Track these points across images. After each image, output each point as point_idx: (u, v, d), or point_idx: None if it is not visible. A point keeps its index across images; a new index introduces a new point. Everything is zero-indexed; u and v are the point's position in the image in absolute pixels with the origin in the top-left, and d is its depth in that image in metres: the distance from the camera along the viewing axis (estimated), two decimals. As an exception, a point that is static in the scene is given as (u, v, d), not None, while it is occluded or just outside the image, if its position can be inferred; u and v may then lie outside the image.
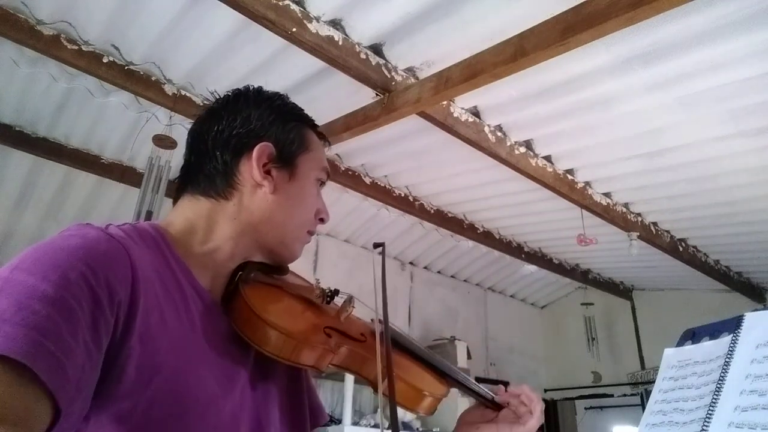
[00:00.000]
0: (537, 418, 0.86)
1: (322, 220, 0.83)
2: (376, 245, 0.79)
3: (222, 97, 0.81)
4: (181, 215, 0.75)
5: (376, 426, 3.74)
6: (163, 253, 0.68)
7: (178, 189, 0.78)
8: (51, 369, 0.47)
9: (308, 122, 0.84)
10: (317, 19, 2.16)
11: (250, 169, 0.74)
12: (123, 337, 0.56)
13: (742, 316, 0.76)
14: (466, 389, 0.87)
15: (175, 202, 0.78)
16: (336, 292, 0.85)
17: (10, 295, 0.50)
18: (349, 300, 0.84)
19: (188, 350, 0.64)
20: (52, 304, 0.50)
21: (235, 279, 0.75)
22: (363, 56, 2.33)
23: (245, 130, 0.76)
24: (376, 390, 0.73)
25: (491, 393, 0.89)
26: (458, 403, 3.92)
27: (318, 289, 0.84)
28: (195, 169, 0.76)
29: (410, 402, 0.79)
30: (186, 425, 0.59)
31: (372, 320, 0.82)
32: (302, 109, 0.84)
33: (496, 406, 0.88)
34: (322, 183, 0.84)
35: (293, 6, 2.08)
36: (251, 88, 0.81)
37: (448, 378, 0.86)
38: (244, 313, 0.70)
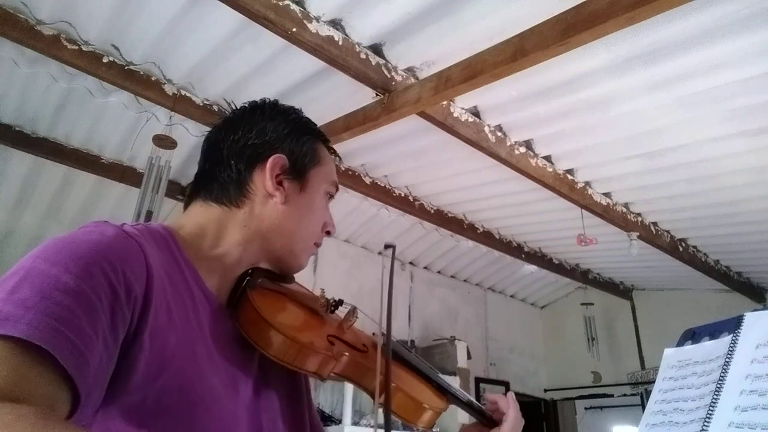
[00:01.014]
0: (512, 418, 0.86)
1: (328, 233, 0.85)
2: (387, 246, 0.80)
3: (239, 108, 0.83)
4: (192, 220, 0.76)
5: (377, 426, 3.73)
6: (173, 254, 0.69)
7: (190, 194, 0.80)
8: (72, 357, 0.48)
9: (321, 137, 0.86)
10: (317, 19, 2.16)
11: (263, 179, 0.76)
12: (136, 332, 0.57)
13: (742, 316, 0.76)
14: (464, 406, 0.88)
15: (186, 206, 0.80)
16: (340, 302, 0.86)
17: (33, 284, 0.50)
18: (353, 311, 0.85)
19: (195, 349, 0.65)
20: (74, 296, 0.51)
21: (242, 283, 0.76)
22: (363, 56, 2.33)
23: (260, 141, 0.78)
24: (388, 406, 0.73)
25: (489, 412, 0.90)
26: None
27: (322, 299, 0.85)
28: (209, 176, 0.78)
29: (410, 415, 0.80)
30: (192, 420, 0.60)
31: (374, 334, 0.82)
32: (315, 124, 0.86)
33: (493, 423, 0.89)
34: (331, 196, 0.86)
35: (293, 6, 2.08)
36: (267, 100, 0.83)
37: (448, 394, 0.87)
38: (250, 315, 0.71)
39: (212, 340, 0.68)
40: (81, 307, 0.51)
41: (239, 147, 0.77)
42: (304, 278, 0.88)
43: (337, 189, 0.87)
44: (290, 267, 0.83)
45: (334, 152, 0.88)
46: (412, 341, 4.78)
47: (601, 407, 5.71)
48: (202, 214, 0.76)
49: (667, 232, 3.95)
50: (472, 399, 0.91)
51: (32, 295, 0.49)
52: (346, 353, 0.76)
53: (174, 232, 0.72)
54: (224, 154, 0.77)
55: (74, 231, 0.59)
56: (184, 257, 0.70)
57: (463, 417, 3.85)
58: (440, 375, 0.90)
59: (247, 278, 0.77)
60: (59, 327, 0.48)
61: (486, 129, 2.81)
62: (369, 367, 0.78)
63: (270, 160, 0.76)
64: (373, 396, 0.78)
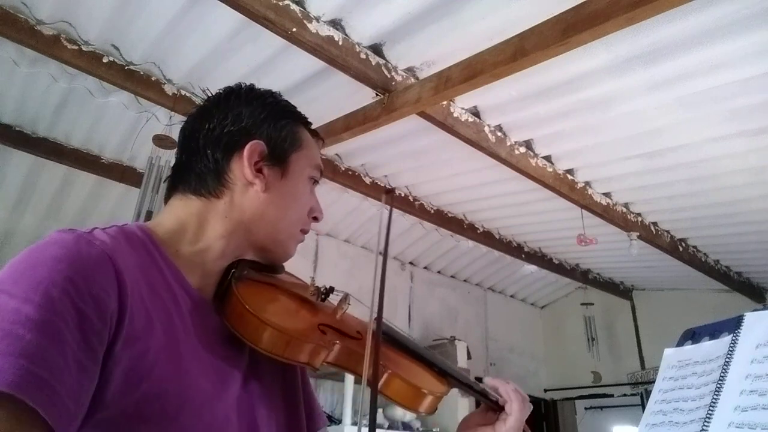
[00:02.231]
0: (516, 411, 0.83)
1: (315, 219, 0.82)
2: (388, 191, 0.77)
3: (213, 95, 0.80)
4: (172, 214, 0.74)
5: (376, 426, 3.73)
6: (151, 254, 0.67)
7: (169, 189, 0.78)
8: (42, 394, 0.47)
9: (301, 120, 0.83)
10: (317, 19, 2.16)
11: (242, 167, 0.74)
12: (110, 346, 0.55)
13: (742, 316, 0.76)
14: (467, 388, 0.86)
15: (166, 201, 0.78)
16: (331, 290, 0.84)
17: None
18: (345, 298, 0.83)
19: (179, 351, 0.63)
20: (37, 326, 0.49)
21: (227, 277, 0.75)
22: (363, 56, 2.33)
23: (236, 128, 0.75)
24: (375, 389, 0.72)
25: (495, 394, 0.87)
26: (458, 404, 3.92)
27: (312, 287, 0.83)
28: (186, 167, 0.76)
29: (410, 401, 0.78)
30: (178, 425, 0.59)
31: (369, 321, 0.81)
32: (295, 107, 0.83)
33: (498, 406, 0.86)
34: (316, 181, 0.83)
35: (293, 6, 2.08)
36: (243, 85, 0.80)
37: (448, 377, 0.84)
38: (237, 310, 0.69)
39: (198, 339, 0.66)
40: (47, 337, 0.49)
41: (215, 135, 0.74)
42: (303, 277, 0.88)
43: (322, 173, 0.84)
44: (277, 257, 0.80)
45: (316, 135, 0.85)
46: (412, 341, 4.78)
47: (601, 407, 5.71)
48: (181, 208, 0.74)
49: (667, 232, 3.95)
50: (475, 381, 0.88)
51: None
52: (339, 341, 0.75)
53: (151, 231, 0.70)
54: (200, 144, 0.75)
55: (35, 246, 0.56)
56: (164, 256, 0.68)
57: (463, 414, 3.85)
58: (439, 357, 0.87)
59: (233, 271, 0.75)
60: (25, 364, 0.47)
61: (486, 129, 2.81)
62: (363, 354, 0.76)
63: (247, 147, 0.74)
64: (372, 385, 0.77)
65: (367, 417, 0.66)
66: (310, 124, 0.85)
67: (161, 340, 0.60)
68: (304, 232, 0.81)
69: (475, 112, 2.77)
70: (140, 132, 2.99)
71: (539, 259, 4.85)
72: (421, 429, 4.08)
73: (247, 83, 0.81)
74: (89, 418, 0.53)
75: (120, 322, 0.56)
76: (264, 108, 0.78)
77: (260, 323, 0.68)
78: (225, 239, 0.73)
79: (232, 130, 0.75)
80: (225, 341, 0.70)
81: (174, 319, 0.64)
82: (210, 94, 0.81)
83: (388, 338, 0.84)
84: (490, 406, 0.87)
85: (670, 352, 0.86)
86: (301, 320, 0.76)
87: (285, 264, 0.85)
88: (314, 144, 0.83)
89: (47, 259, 0.54)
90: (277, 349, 0.69)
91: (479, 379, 0.91)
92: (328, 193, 3.55)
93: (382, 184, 3.70)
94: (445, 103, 2.60)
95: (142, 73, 2.61)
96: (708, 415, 0.69)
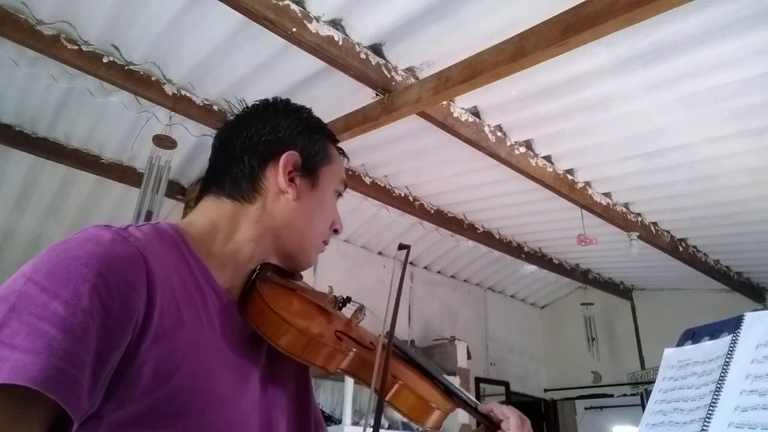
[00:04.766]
0: (514, 423, 0.84)
1: (336, 231, 0.86)
2: (401, 246, 0.80)
3: (251, 105, 0.84)
4: (205, 215, 0.76)
5: (376, 426, 3.73)
6: (182, 253, 0.69)
7: (201, 190, 0.80)
8: (65, 388, 0.49)
9: (331, 136, 0.86)
10: (317, 19, 2.16)
11: (276, 175, 0.77)
12: (137, 345, 0.57)
13: (742, 316, 0.76)
14: (471, 409, 0.88)
15: (196, 202, 0.80)
16: (348, 300, 0.87)
17: (21, 315, 0.50)
18: (360, 309, 0.86)
19: (206, 348, 0.65)
20: (63, 321, 0.51)
21: (251, 278, 0.77)
22: (363, 56, 2.33)
23: (273, 138, 0.78)
24: (382, 398, 0.74)
25: (496, 416, 0.88)
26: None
27: (330, 296, 0.86)
28: (221, 171, 0.79)
29: (419, 414, 0.80)
30: (204, 421, 0.60)
31: (380, 336, 0.83)
32: (325, 124, 0.87)
33: (495, 426, 0.88)
34: (339, 195, 0.86)
35: (293, 6, 2.09)
36: (279, 99, 0.84)
37: (454, 396, 0.86)
38: (259, 307, 0.71)
39: (224, 338, 0.68)
40: (72, 332, 0.51)
41: (252, 143, 0.78)
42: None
43: (346, 187, 0.88)
44: (299, 264, 0.83)
45: (342, 152, 0.89)
46: (412, 341, 4.78)
47: (601, 407, 5.71)
48: (214, 210, 0.77)
49: (667, 232, 3.95)
50: (477, 402, 0.90)
51: (20, 329, 0.49)
52: (354, 349, 0.77)
53: (183, 230, 0.72)
54: (237, 150, 0.78)
55: (71, 239, 0.58)
56: (194, 255, 0.70)
57: (464, 416, 3.85)
58: (446, 378, 0.90)
59: (257, 272, 0.77)
60: (48, 359, 0.48)
61: (486, 129, 2.81)
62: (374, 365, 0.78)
63: (283, 156, 0.77)
64: (378, 393, 0.78)
65: (375, 422, 0.67)
66: (338, 141, 0.89)
67: (190, 338, 0.62)
68: (326, 242, 0.85)
69: (475, 112, 2.77)
70: (140, 132, 2.99)
71: (539, 259, 4.85)
72: (420, 430, 4.08)
73: (283, 98, 0.84)
74: (117, 411, 0.55)
75: (147, 321, 0.58)
76: (300, 122, 0.81)
77: (282, 322, 0.70)
78: (255, 242, 0.76)
79: (270, 140, 0.78)
80: (245, 342, 0.72)
81: (202, 317, 0.66)
82: (247, 106, 0.84)
83: (399, 352, 0.87)
84: (488, 426, 0.89)
85: (670, 352, 0.86)
86: (320, 324, 0.78)
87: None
88: (341, 160, 0.88)
89: (82, 255, 0.55)
90: (296, 349, 0.70)
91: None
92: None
93: (382, 185, 3.71)
94: (445, 103, 2.60)
95: (142, 73, 2.61)
96: (708, 415, 0.69)
